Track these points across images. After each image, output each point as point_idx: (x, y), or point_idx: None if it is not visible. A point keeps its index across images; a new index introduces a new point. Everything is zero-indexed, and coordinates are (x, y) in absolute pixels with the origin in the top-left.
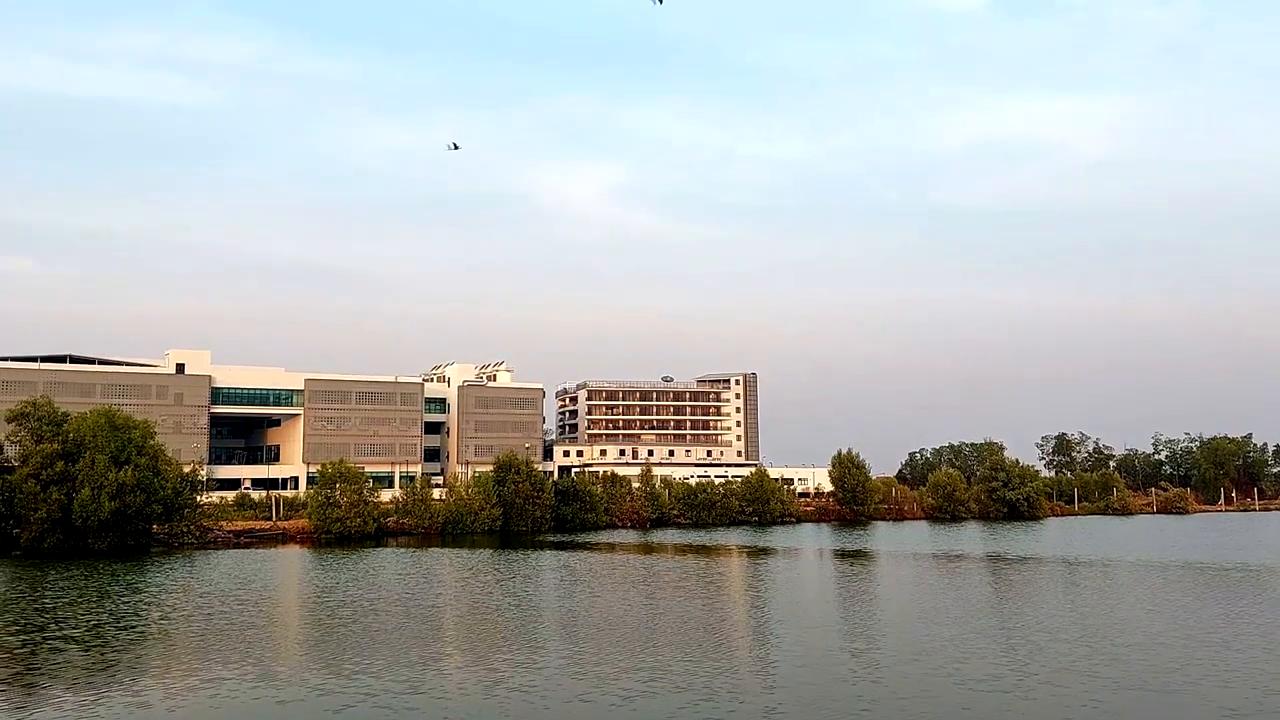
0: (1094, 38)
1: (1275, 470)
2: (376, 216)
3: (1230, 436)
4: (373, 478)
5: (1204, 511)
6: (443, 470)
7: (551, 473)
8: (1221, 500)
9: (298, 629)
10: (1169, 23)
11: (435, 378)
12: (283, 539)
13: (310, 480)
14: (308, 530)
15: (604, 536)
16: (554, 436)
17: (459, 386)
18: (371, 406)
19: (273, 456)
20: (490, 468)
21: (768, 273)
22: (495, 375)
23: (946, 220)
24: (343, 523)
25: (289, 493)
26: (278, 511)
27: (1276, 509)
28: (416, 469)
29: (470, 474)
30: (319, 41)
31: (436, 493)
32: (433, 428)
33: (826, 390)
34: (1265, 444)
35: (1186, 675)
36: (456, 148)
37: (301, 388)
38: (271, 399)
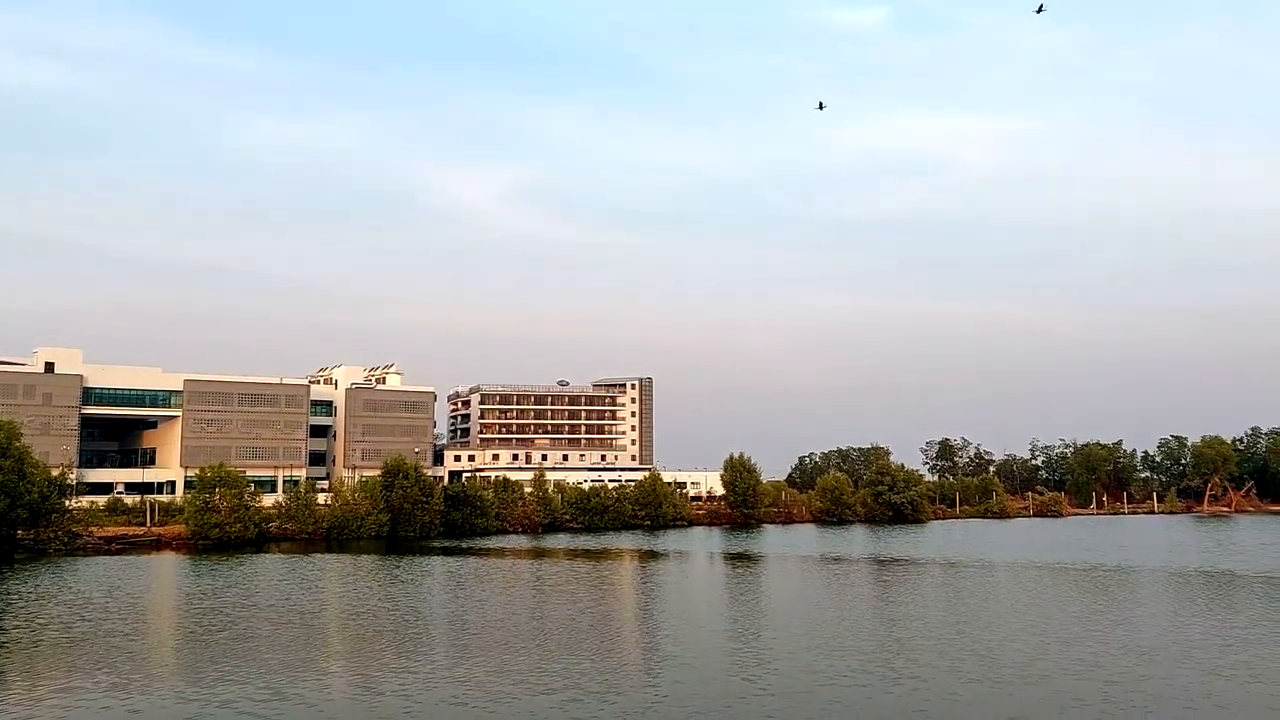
0: (985, 58)
1: (1143, 475)
2: (266, 214)
3: (1102, 443)
4: (254, 482)
5: (1076, 514)
6: (328, 475)
7: (442, 477)
8: (1093, 504)
9: (163, 636)
10: (1060, 46)
11: (322, 380)
12: (158, 545)
13: (188, 485)
14: (184, 536)
15: (494, 542)
16: (445, 441)
17: (347, 389)
18: (254, 409)
19: (148, 460)
20: (378, 472)
21: (665, 278)
22: (385, 378)
23: (840, 230)
24: (221, 528)
25: (165, 497)
26: (152, 517)
27: (1144, 512)
28: (301, 473)
29: (357, 478)
30: (208, 33)
31: (321, 498)
32: (319, 431)
33: (720, 395)
34: (1134, 450)
35: (1038, 668)
36: (823, 107)
37: (180, 389)
38: (148, 400)
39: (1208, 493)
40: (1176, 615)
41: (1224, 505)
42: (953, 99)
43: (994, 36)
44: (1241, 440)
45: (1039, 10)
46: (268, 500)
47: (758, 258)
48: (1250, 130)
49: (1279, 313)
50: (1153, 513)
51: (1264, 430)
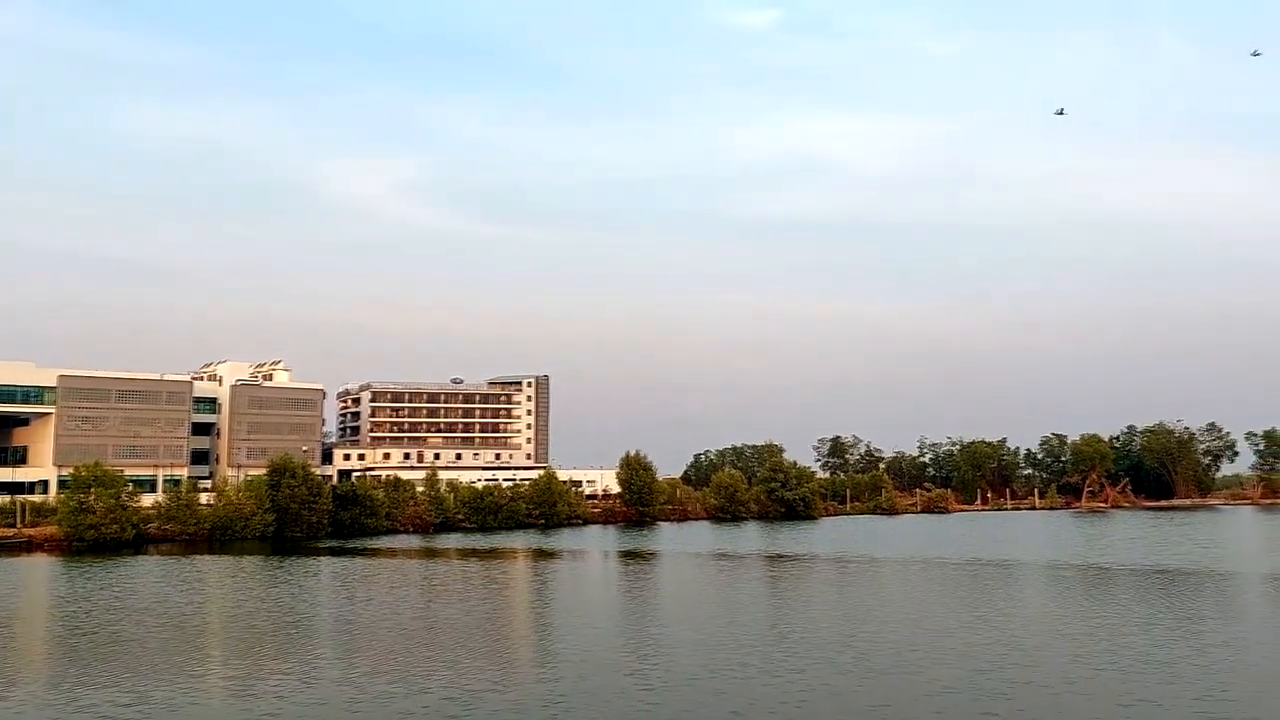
0: (875, 62)
1: (1026, 472)
2: (149, 203)
3: (987, 441)
4: (133, 481)
5: (963, 510)
6: (212, 474)
7: (331, 477)
8: (978, 500)
9: (28, 640)
10: (946, 51)
11: (206, 376)
12: (29, 547)
13: (62, 484)
14: (57, 538)
15: (384, 542)
16: (335, 439)
17: (232, 386)
18: (134, 406)
19: (19, 459)
20: (264, 471)
21: (564, 275)
22: (272, 375)
23: (739, 230)
24: (97, 529)
25: (37, 497)
26: (23, 518)
27: (1026, 508)
28: (182, 472)
29: (242, 478)
30: (94, 17)
31: (204, 497)
32: (202, 429)
33: (618, 393)
34: (1018, 448)
35: (911, 659)
36: (1062, 113)
37: (54, 385)
38: (19, 396)
39: (1086, 489)
40: (1046, 607)
41: (1101, 501)
42: (845, 102)
43: (884, 41)
44: (1118, 438)
45: (1059, 113)
46: (147, 500)
47: (658, 256)
48: (1126, 132)
49: (1152, 313)
50: (1034, 508)
51: (1139, 429)
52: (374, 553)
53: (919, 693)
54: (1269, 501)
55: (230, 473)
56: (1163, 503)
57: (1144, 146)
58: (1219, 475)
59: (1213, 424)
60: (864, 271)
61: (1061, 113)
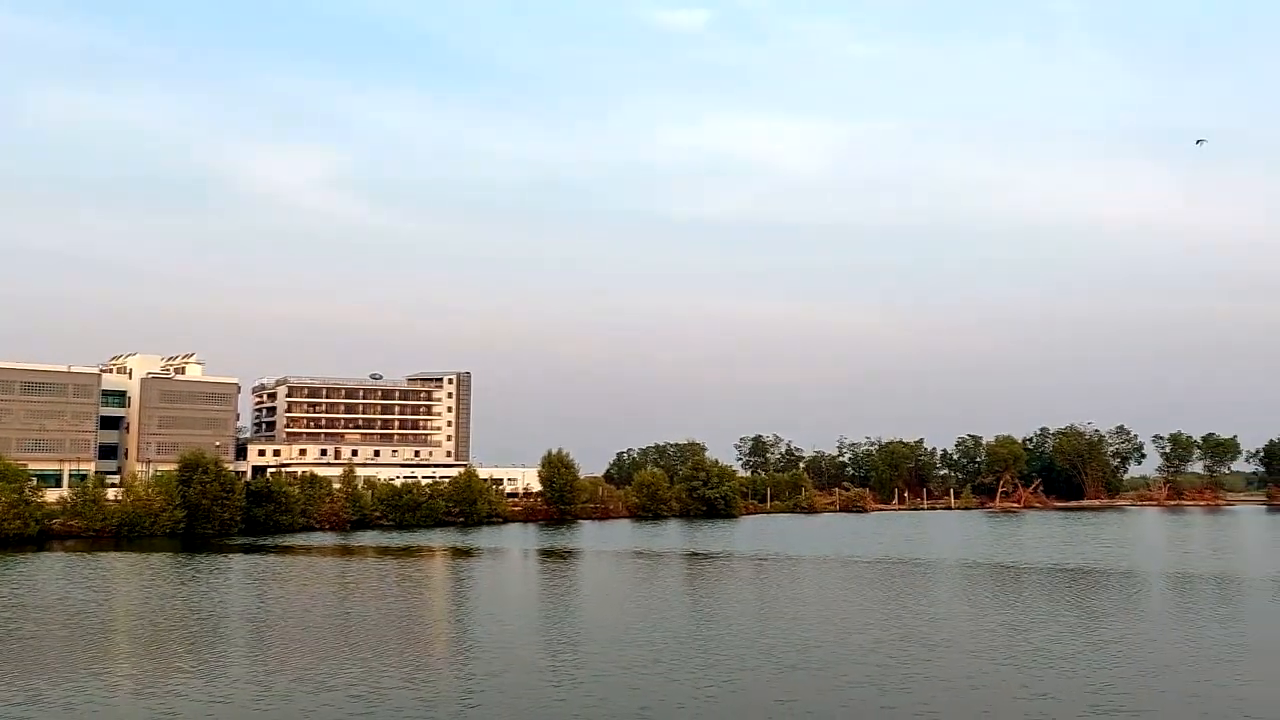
0: (805, 64)
1: (942, 472)
2: (53, 190)
3: (905, 441)
4: (37, 476)
5: (880, 510)
6: (120, 469)
7: (245, 473)
8: (895, 499)
9: None
10: (873, 56)
11: (115, 369)
12: None
13: None
14: None
15: (299, 539)
16: (249, 435)
17: (142, 379)
18: (38, 398)
19: None
20: (175, 466)
21: (489, 272)
22: (184, 368)
23: (670, 229)
24: None
25: None
26: None
27: (942, 508)
28: (89, 467)
29: (151, 473)
30: None
31: (111, 493)
32: (110, 423)
33: (543, 391)
34: (934, 448)
35: (818, 655)
36: (1200, 144)
37: None
38: None
39: (999, 489)
40: (953, 604)
41: (1014, 501)
42: (772, 103)
43: (811, 44)
44: (1031, 440)
45: (1199, 143)
46: (51, 496)
47: (587, 254)
48: (1043, 138)
49: (1065, 318)
50: (950, 508)
51: (1051, 430)
52: (288, 550)
53: (824, 687)
54: (1174, 503)
55: (139, 468)
56: (1073, 503)
57: (1060, 153)
58: (1127, 477)
59: (1121, 427)
60: (787, 273)
61: (1201, 142)
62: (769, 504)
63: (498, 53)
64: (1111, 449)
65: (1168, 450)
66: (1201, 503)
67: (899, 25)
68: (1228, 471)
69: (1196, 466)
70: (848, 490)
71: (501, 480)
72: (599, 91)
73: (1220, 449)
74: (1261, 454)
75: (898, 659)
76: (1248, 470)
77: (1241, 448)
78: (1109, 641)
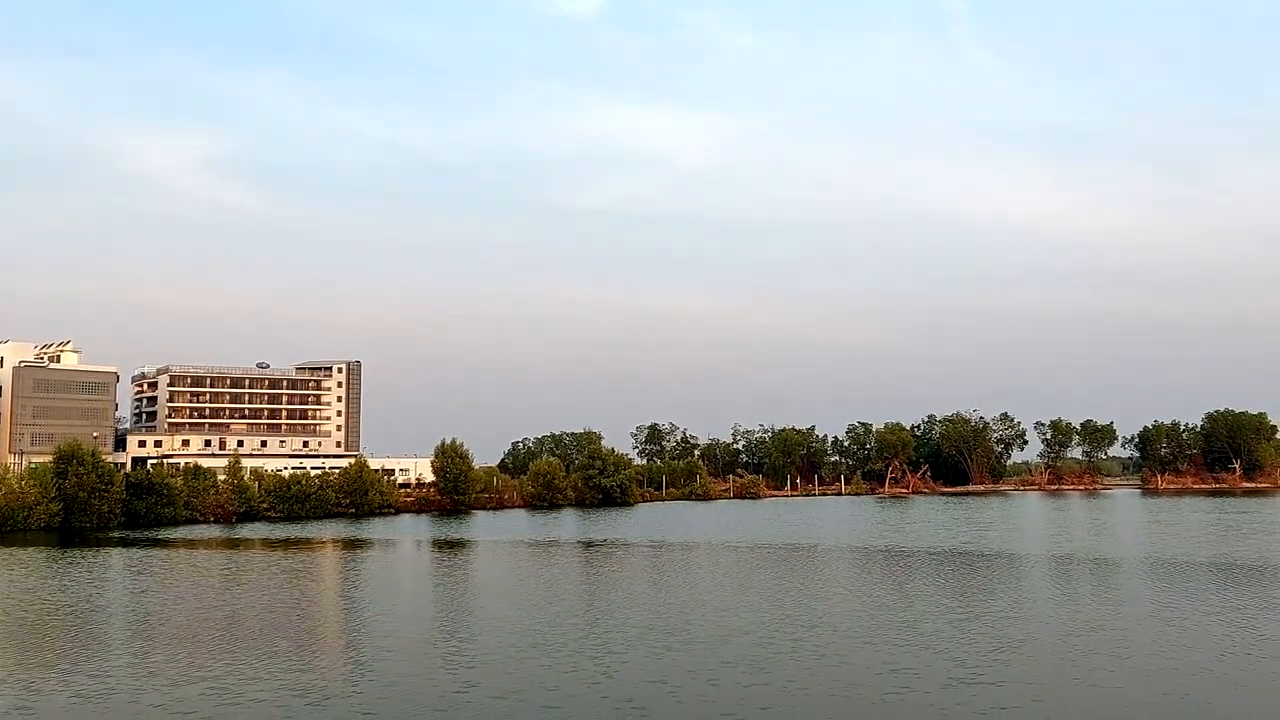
0: (697, 56)
1: (833, 459)
2: None
3: (797, 428)
4: None
5: (773, 496)
6: None
7: (124, 464)
8: (788, 485)
9: None
10: (764, 49)
11: None
12: None
13: None
14: None
15: (183, 532)
16: (130, 425)
17: (14, 367)
18: None
19: None
20: (50, 458)
21: (377, 258)
22: (59, 356)
23: (559, 217)
24: None
25: None
26: None
27: (834, 494)
28: None
29: (24, 465)
30: None
31: None
32: None
33: (435, 379)
34: (826, 435)
35: (689, 634)
36: None
37: None
38: None
39: (889, 475)
40: (833, 586)
41: (903, 487)
42: (663, 94)
43: (702, 36)
44: (919, 427)
45: None
46: None
47: (476, 240)
48: (928, 134)
49: (951, 309)
50: (841, 494)
51: (938, 418)
52: (170, 543)
53: (700, 666)
54: (1054, 487)
55: (12, 459)
56: (959, 488)
57: (945, 149)
58: (1010, 462)
59: (1005, 414)
60: (677, 263)
61: None
62: (665, 492)
63: (385, 35)
64: (996, 435)
65: (1049, 437)
66: (1080, 487)
67: (790, 17)
68: (1105, 457)
69: (1076, 452)
70: (742, 477)
71: (394, 471)
72: (488, 77)
73: (1098, 435)
74: (1136, 440)
75: (774, 639)
76: (1124, 455)
77: (1118, 434)
78: (973, 618)
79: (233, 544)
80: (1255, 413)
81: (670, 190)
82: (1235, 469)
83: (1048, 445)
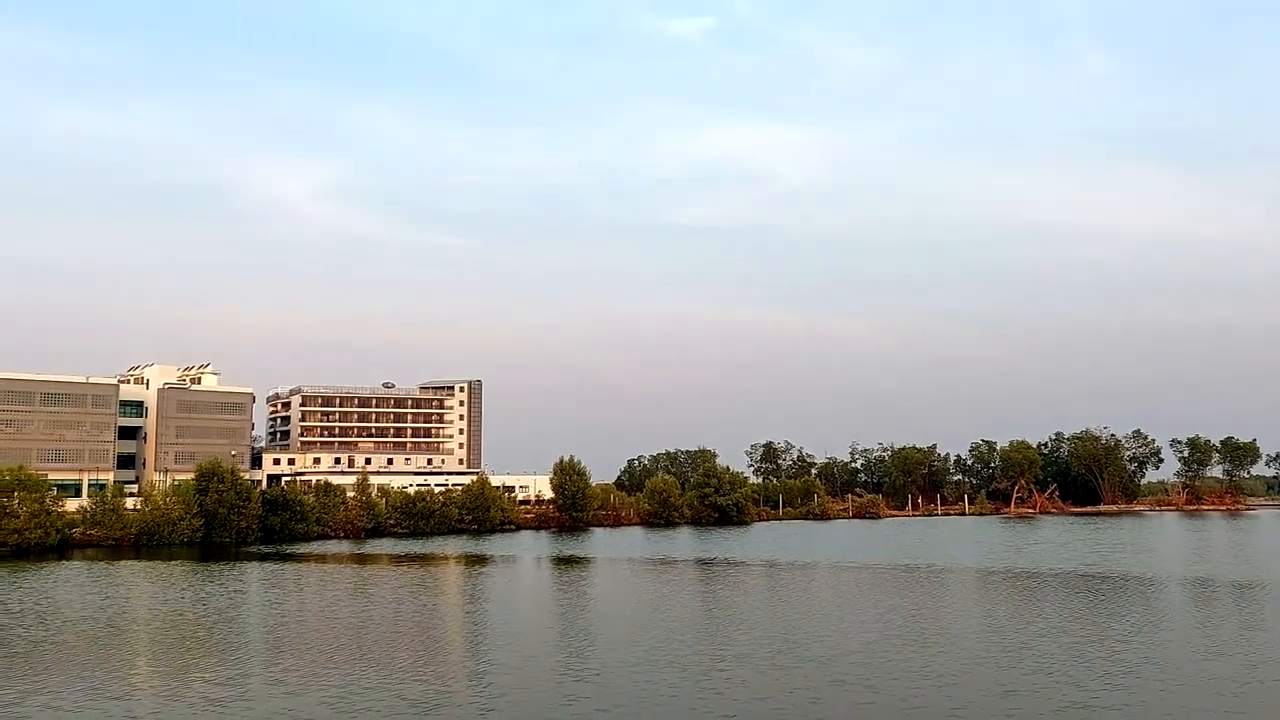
0: (805, 73)
1: (955, 478)
2: (65, 204)
3: (918, 447)
4: (57, 486)
5: (893, 516)
6: (138, 479)
7: (260, 481)
8: (909, 505)
9: None
10: (872, 63)
11: (132, 379)
12: None
13: None
14: None
15: (315, 547)
16: (264, 444)
17: (159, 389)
18: (58, 409)
19: None
20: (192, 476)
21: (495, 281)
22: (200, 378)
23: (664, 236)
24: (20, 534)
25: None
26: None
27: (956, 514)
28: (108, 476)
29: (169, 482)
30: None
31: (130, 502)
32: (128, 433)
33: (552, 398)
34: (948, 454)
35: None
36: None
37: None
38: None
39: (1014, 495)
40: (942, 607)
41: (1029, 507)
42: (774, 111)
43: (812, 51)
44: (1046, 445)
45: None
46: (71, 505)
47: (588, 262)
48: (1047, 144)
49: (1081, 326)
50: (964, 514)
51: (1066, 435)
52: (303, 558)
53: (803, 685)
54: (1192, 508)
55: (157, 477)
56: (1089, 509)
57: (1058, 158)
58: (1144, 481)
59: (1138, 431)
60: (788, 280)
61: None
62: (781, 511)
63: (497, 60)
64: (1128, 453)
65: (1186, 455)
66: (1221, 507)
67: (897, 30)
68: (1247, 475)
69: (1216, 471)
70: (861, 496)
71: (513, 488)
72: (599, 100)
73: (1239, 453)
74: None
75: (885, 658)
76: (1268, 474)
77: (1261, 451)
78: (1092, 641)
79: (360, 559)
80: None
81: (779, 207)
82: None
83: (1184, 464)
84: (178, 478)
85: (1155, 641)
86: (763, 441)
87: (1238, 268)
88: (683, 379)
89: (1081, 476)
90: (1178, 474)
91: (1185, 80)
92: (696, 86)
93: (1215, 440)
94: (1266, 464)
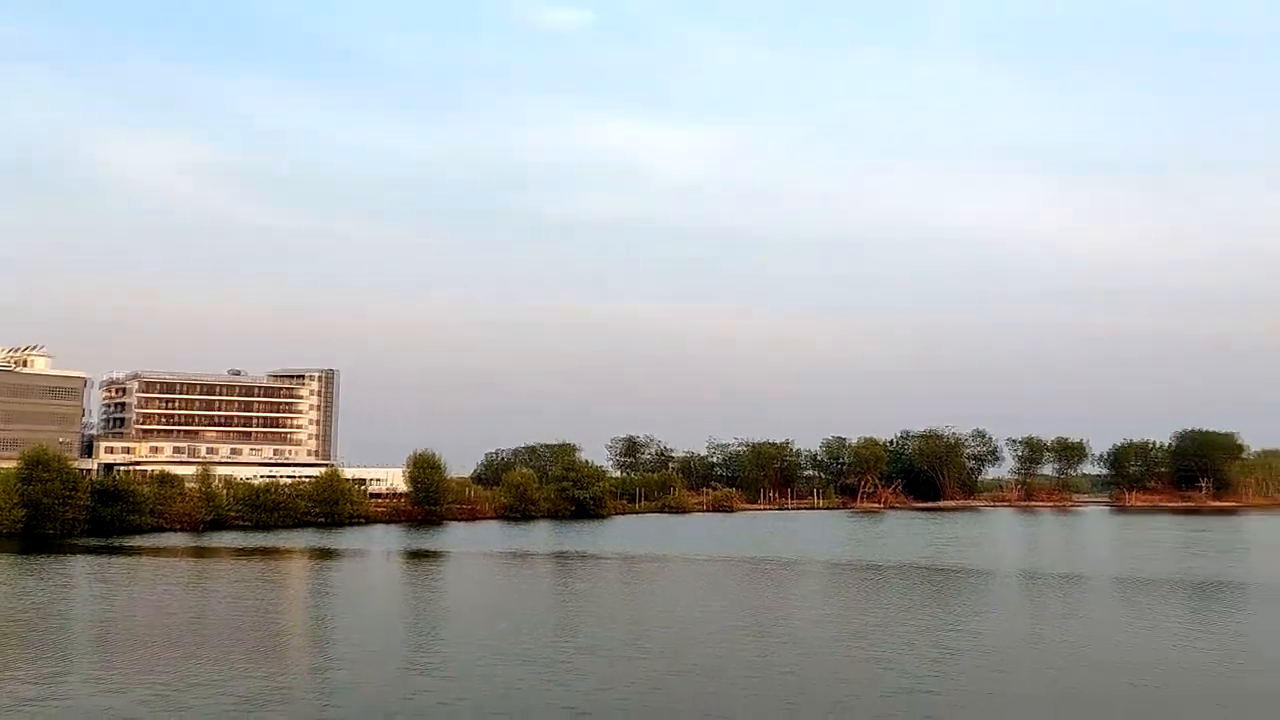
0: (683, 69)
1: (807, 473)
2: None
3: (774, 442)
4: None
5: (747, 509)
6: None
7: (92, 470)
8: (763, 499)
9: None
10: (753, 63)
11: None
12: None
13: None
14: None
15: (150, 540)
16: (99, 431)
17: None
18: None
19: None
20: (16, 463)
21: (358, 267)
22: (29, 360)
23: (541, 229)
24: None
25: None
26: None
27: (807, 508)
28: None
29: None
30: None
31: None
32: None
33: (415, 390)
34: (800, 449)
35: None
36: None
37: None
38: None
39: (862, 490)
40: (787, 599)
41: (875, 502)
42: (651, 107)
43: (690, 49)
44: (893, 442)
45: None
46: None
47: (456, 250)
48: (918, 151)
49: (938, 327)
50: (814, 508)
51: (912, 433)
52: (136, 551)
53: (647, 676)
54: (1025, 504)
55: None
56: (931, 504)
57: (932, 164)
58: (983, 478)
59: (979, 430)
60: (660, 275)
61: None
62: (639, 504)
63: (368, 45)
64: (969, 452)
65: (1021, 453)
66: (1051, 503)
67: (779, 32)
68: (1077, 474)
69: (1048, 469)
70: (717, 490)
71: (366, 480)
72: (475, 88)
73: (1070, 452)
74: (1108, 457)
75: (730, 649)
76: (1095, 473)
77: (1090, 451)
78: (923, 630)
79: (198, 552)
80: (1224, 432)
81: (655, 203)
82: (1203, 488)
83: (1020, 462)
84: (1, 465)
85: (979, 630)
86: (625, 435)
87: (1088, 279)
88: (549, 372)
89: (925, 473)
90: (1013, 472)
91: (1055, 94)
92: (574, 79)
93: (1049, 440)
94: (1094, 463)
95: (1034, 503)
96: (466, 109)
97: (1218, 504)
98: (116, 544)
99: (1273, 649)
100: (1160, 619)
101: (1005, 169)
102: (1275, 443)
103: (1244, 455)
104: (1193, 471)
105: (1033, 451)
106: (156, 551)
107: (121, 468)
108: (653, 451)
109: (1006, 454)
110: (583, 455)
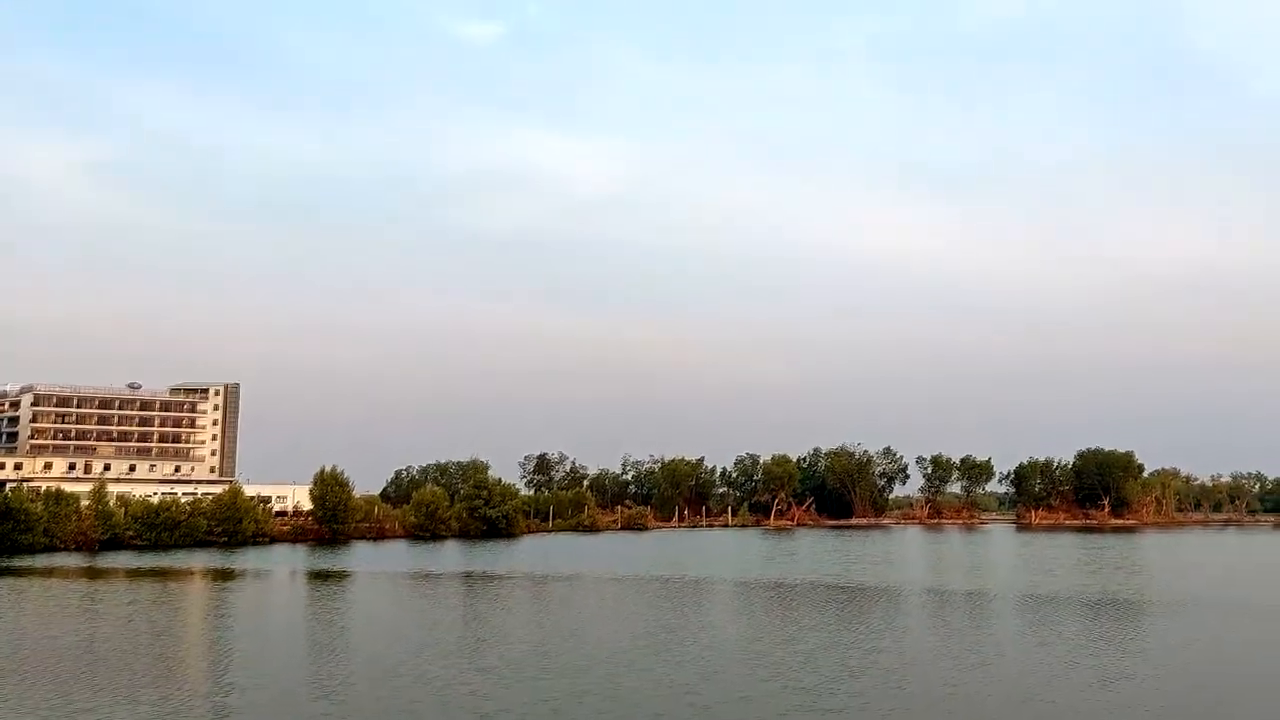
0: (596, 83)
1: (721, 490)
2: None
3: (686, 459)
4: None
5: (660, 528)
6: None
7: None
8: (676, 517)
9: None
10: (666, 78)
11: None
12: None
13: None
14: None
15: (42, 560)
16: None
17: None
18: None
19: None
20: None
21: (264, 277)
22: None
23: (450, 241)
24: None
25: None
26: None
27: (720, 525)
28: None
29: None
30: None
31: None
32: None
33: (318, 405)
34: (715, 466)
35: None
36: None
37: None
38: None
39: (775, 507)
40: (694, 619)
41: (788, 519)
42: (558, 120)
43: (600, 63)
44: (805, 459)
45: None
46: None
47: (362, 260)
48: (822, 169)
49: (848, 345)
50: (727, 526)
51: (823, 450)
52: (25, 572)
53: (548, 697)
54: (934, 521)
55: None
56: (842, 521)
57: (838, 184)
58: (892, 496)
59: (888, 448)
60: (572, 290)
61: None
62: (551, 523)
63: (279, 47)
64: (879, 469)
65: (929, 471)
66: (958, 522)
67: (692, 48)
68: (983, 492)
69: (955, 487)
70: (630, 508)
71: (270, 498)
72: (384, 96)
73: (976, 471)
74: (1012, 476)
75: (633, 670)
76: (1001, 491)
77: (995, 470)
78: (825, 648)
79: (92, 573)
80: (1123, 451)
81: (568, 217)
82: (1104, 506)
83: (928, 480)
84: None
85: (881, 648)
86: (537, 453)
87: (989, 299)
88: (460, 388)
89: (836, 490)
90: (921, 489)
91: (958, 114)
92: (486, 90)
93: (956, 459)
94: (999, 481)
95: (942, 520)
96: (376, 117)
97: (1117, 522)
98: (4, 565)
99: (1156, 664)
100: (1054, 636)
101: (905, 190)
102: (1170, 461)
103: (1143, 474)
104: (1094, 490)
105: (940, 470)
106: (48, 572)
107: (11, 485)
108: (565, 469)
109: (915, 472)
110: (494, 473)
